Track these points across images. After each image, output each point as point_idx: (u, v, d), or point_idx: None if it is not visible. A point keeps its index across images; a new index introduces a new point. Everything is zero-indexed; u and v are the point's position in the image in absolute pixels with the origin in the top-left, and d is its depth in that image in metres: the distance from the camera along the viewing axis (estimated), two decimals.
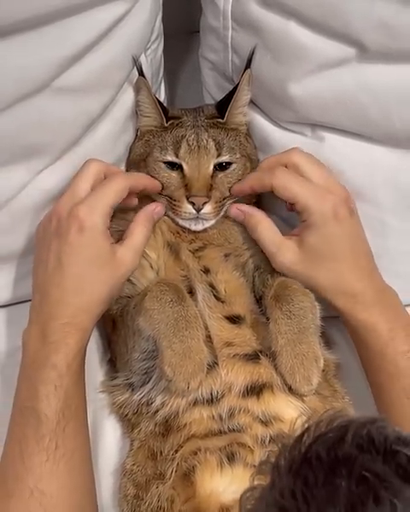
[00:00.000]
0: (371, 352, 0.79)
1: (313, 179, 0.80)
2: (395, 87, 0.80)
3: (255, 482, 0.48)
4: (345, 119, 0.84)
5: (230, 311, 0.82)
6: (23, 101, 0.76)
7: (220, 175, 0.85)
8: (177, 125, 0.86)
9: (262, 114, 0.90)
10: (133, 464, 0.78)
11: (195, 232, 0.86)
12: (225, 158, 0.85)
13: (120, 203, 0.80)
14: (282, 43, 0.81)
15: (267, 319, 0.78)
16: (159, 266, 0.85)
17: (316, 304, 0.79)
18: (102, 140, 0.86)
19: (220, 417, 0.76)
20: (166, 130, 0.86)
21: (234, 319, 0.81)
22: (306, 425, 0.46)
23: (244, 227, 0.86)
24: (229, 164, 0.85)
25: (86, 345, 0.76)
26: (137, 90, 0.87)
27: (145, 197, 0.86)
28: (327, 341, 0.84)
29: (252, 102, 0.89)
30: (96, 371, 0.86)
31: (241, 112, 0.88)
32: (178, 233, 0.87)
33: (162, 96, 0.97)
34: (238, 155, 0.86)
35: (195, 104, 0.93)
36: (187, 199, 0.83)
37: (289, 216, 0.87)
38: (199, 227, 0.85)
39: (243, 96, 0.87)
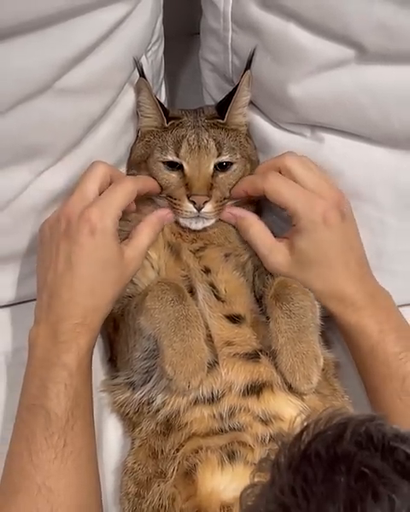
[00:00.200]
0: (363, 354, 0.80)
1: (305, 183, 0.81)
2: (394, 88, 0.80)
3: (256, 479, 0.48)
4: (344, 120, 0.84)
5: (230, 311, 0.82)
6: (25, 102, 0.76)
7: (221, 175, 0.85)
8: (177, 125, 0.87)
9: (262, 115, 0.90)
10: (134, 462, 0.79)
11: (195, 232, 0.87)
12: (225, 158, 0.85)
13: None
14: (281, 44, 0.81)
15: (267, 318, 0.79)
16: (160, 266, 0.86)
17: (316, 303, 0.79)
18: (104, 141, 0.86)
19: (221, 416, 0.76)
20: (167, 130, 0.86)
21: (234, 318, 0.82)
22: (305, 423, 0.47)
23: None
24: (229, 164, 0.86)
25: (94, 344, 0.78)
26: (137, 91, 0.87)
27: (145, 197, 0.87)
28: (327, 340, 0.85)
29: (252, 103, 0.90)
30: (97, 370, 0.86)
31: (241, 112, 0.89)
32: (178, 233, 0.87)
33: (163, 98, 0.97)
34: (239, 156, 0.86)
35: (195, 105, 0.93)
36: (188, 198, 0.83)
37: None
38: (199, 226, 0.85)
39: (243, 96, 0.87)
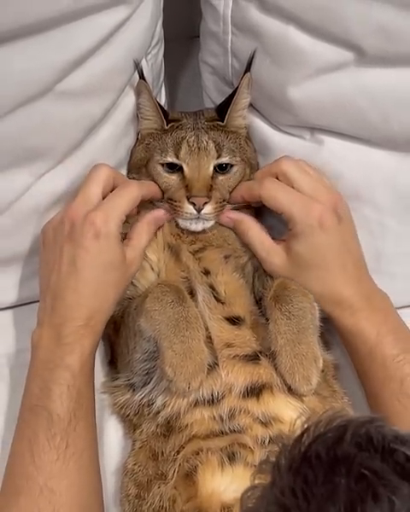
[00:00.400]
0: (361, 356, 0.80)
1: (302, 187, 0.81)
2: (393, 91, 0.80)
3: (256, 481, 0.48)
4: (344, 123, 0.84)
5: (230, 312, 0.82)
6: (26, 105, 0.77)
7: (221, 177, 0.86)
8: (177, 127, 0.87)
9: (262, 118, 0.90)
10: (135, 464, 0.79)
11: (195, 233, 0.87)
12: (225, 159, 0.85)
13: None
14: (281, 47, 0.82)
15: (267, 320, 0.79)
16: (160, 268, 0.86)
17: (315, 304, 0.79)
18: (104, 143, 0.86)
19: (221, 418, 0.76)
20: (167, 132, 0.87)
21: (234, 320, 0.82)
22: (305, 425, 0.47)
23: None
24: (229, 166, 0.86)
25: (97, 346, 0.78)
26: (138, 94, 0.87)
27: (146, 202, 0.87)
28: (326, 342, 0.85)
29: (251, 106, 0.90)
30: (97, 372, 0.86)
31: (240, 115, 0.89)
32: (178, 235, 0.87)
33: (163, 100, 0.98)
34: (238, 158, 0.87)
35: (195, 108, 0.93)
36: (187, 199, 0.84)
37: None
38: (199, 227, 0.86)
39: (243, 99, 0.88)
